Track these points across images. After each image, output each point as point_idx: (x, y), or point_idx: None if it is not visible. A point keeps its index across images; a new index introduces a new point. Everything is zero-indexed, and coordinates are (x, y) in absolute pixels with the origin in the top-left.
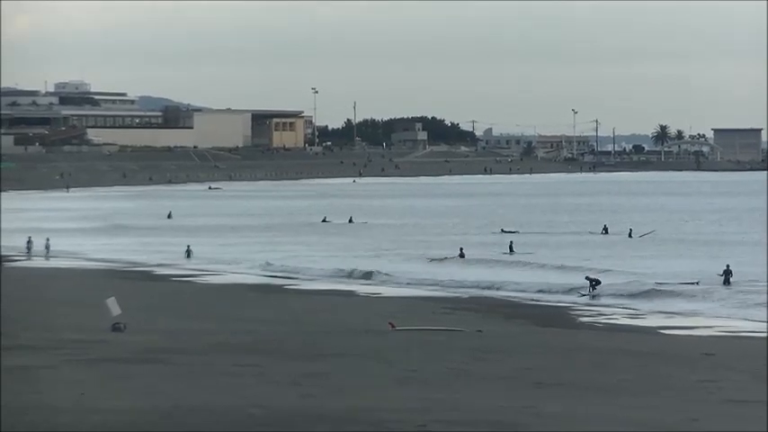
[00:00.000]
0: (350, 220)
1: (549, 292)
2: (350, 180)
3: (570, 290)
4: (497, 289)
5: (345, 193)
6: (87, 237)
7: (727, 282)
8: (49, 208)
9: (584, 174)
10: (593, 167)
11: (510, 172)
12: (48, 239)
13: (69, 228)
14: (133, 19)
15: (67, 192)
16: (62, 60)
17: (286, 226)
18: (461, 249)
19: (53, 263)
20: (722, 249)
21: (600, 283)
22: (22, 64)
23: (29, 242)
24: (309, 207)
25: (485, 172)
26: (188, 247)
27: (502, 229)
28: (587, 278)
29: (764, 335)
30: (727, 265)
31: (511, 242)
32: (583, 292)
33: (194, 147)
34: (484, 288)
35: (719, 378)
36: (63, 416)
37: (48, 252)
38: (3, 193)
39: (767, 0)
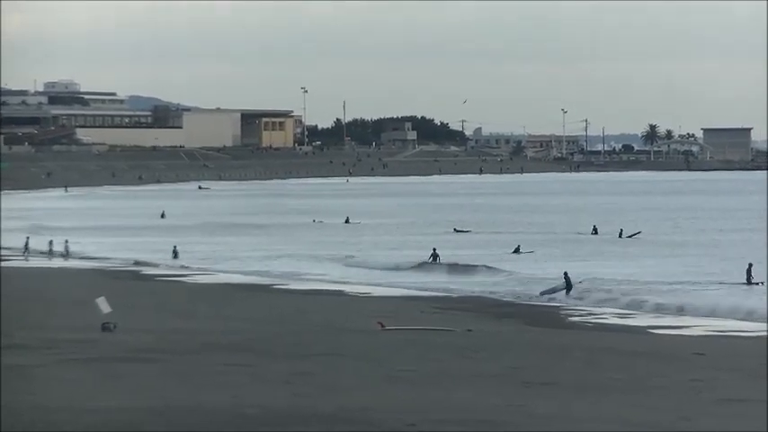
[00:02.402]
0: (347, 221)
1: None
2: (342, 180)
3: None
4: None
5: (340, 192)
6: (78, 236)
7: (749, 281)
8: (51, 207)
9: (573, 173)
10: (578, 167)
11: (501, 172)
12: (66, 241)
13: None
14: (124, 19)
15: (66, 192)
16: (53, 60)
17: (275, 226)
18: (434, 250)
19: (42, 263)
20: (721, 249)
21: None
22: (13, 63)
23: (49, 243)
24: (301, 206)
25: (479, 172)
26: (174, 247)
27: (454, 229)
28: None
29: (753, 334)
30: (750, 264)
31: (518, 246)
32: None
33: (180, 146)
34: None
35: (710, 377)
36: (57, 415)
37: (67, 253)
38: None
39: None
